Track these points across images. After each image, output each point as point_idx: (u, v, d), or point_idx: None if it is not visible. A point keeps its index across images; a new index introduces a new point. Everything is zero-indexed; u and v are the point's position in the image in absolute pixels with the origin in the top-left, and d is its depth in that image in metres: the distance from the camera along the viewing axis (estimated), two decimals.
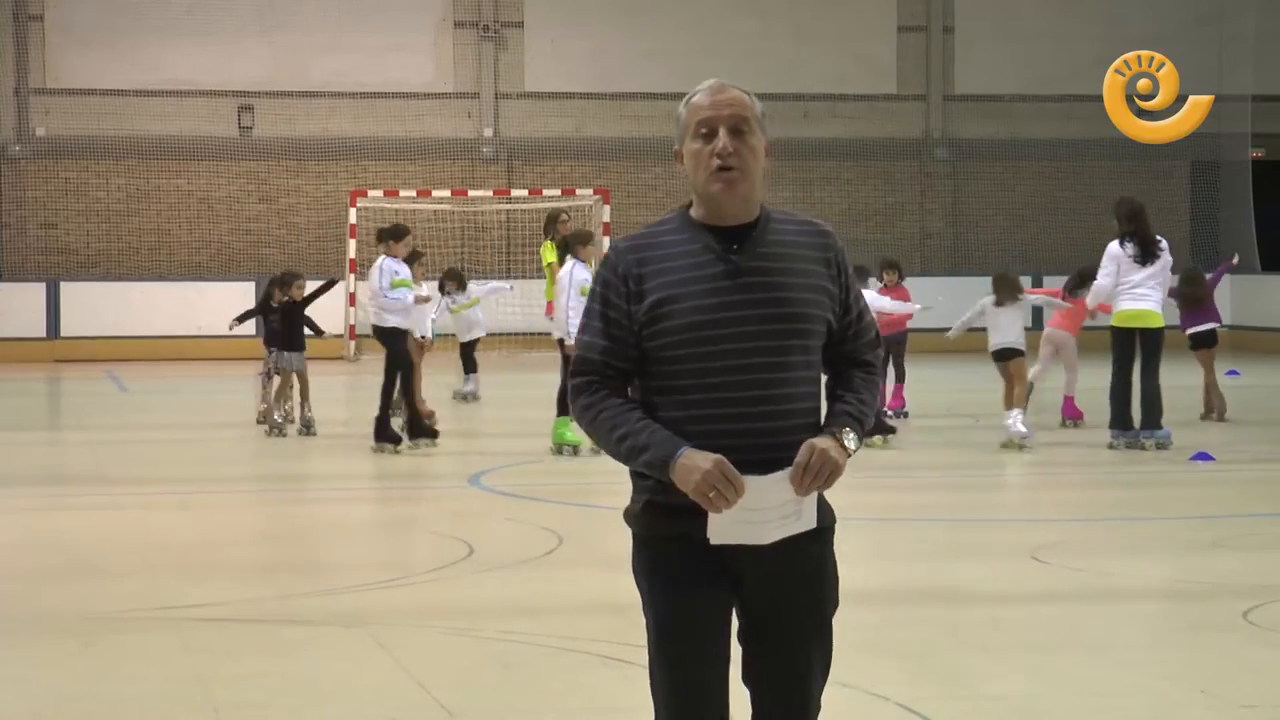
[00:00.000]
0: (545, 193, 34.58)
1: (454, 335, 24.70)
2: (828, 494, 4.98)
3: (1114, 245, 18.19)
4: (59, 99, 35.77)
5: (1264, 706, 8.15)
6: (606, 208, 33.80)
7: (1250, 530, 13.62)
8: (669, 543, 4.92)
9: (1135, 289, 18.11)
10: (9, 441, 20.25)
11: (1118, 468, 17.49)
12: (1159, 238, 18.40)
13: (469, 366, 24.17)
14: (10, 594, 11.09)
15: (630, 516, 5.02)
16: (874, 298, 19.71)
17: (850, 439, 4.91)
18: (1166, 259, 18.30)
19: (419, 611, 10.39)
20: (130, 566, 12.04)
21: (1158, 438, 18.07)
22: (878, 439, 18.42)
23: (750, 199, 4.96)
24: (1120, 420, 18.24)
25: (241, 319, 22.31)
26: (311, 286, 20.88)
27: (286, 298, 20.63)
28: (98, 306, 34.25)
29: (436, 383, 24.31)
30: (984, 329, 19.27)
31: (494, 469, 16.89)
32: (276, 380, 20.46)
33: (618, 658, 8.79)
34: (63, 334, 34.13)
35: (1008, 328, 19.13)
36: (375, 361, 29.99)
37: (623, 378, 4.97)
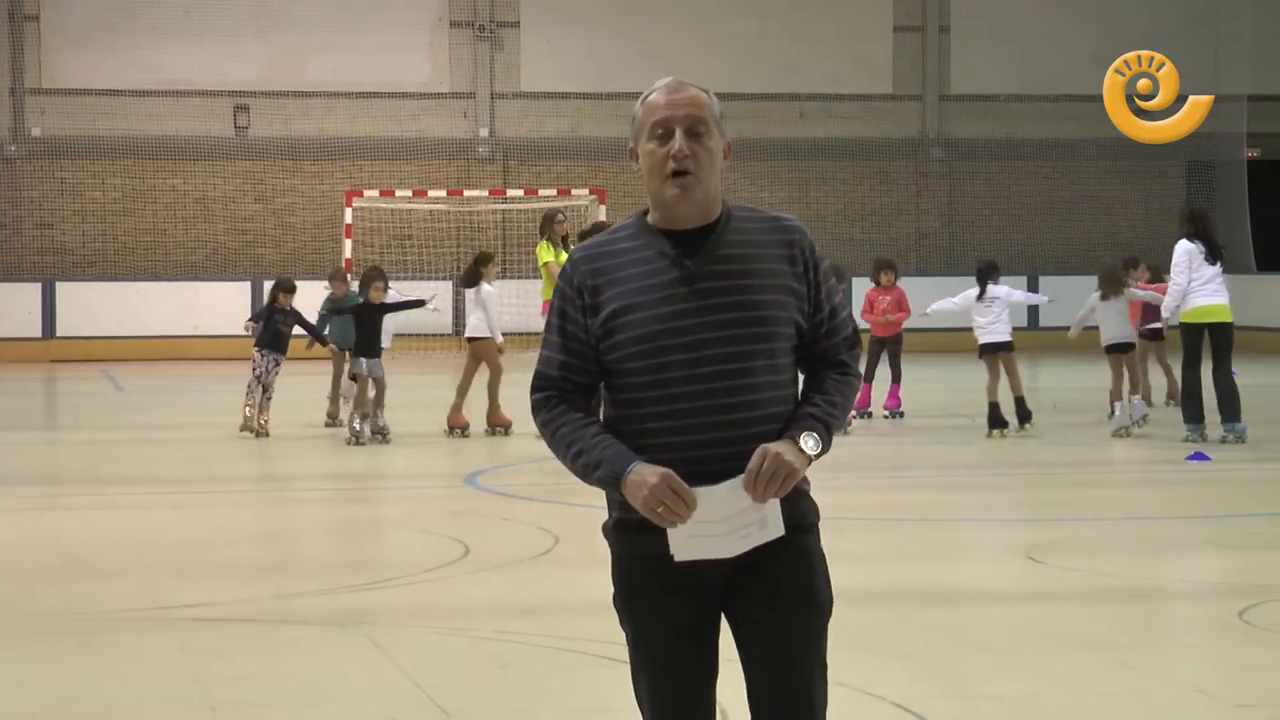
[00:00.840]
0: (541, 193, 34.62)
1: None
2: (814, 493, 4.86)
3: (1186, 243, 18.55)
4: (55, 99, 35.77)
5: (1261, 706, 8.16)
6: (602, 208, 33.80)
7: (1246, 530, 13.62)
8: (642, 559, 4.77)
9: (1206, 285, 18.46)
10: (5, 441, 20.25)
11: (1113, 467, 17.51)
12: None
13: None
14: (7, 594, 11.08)
15: (605, 531, 4.88)
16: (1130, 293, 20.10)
17: (809, 442, 4.69)
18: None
19: (415, 611, 10.38)
20: (126, 566, 12.04)
21: (1236, 430, 18.29)
22: (1027, 426, 19.04)
23: (707, 202, 4.77)
24: (1193, 414, 18.44)
25: (257, 319, 21.56)
26: (392, 295, 20.48)
27: (362, 298, 20.05)
28: (94, 306, 34.26)
29: (433, 383, 24.34)
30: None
31: (490, 469, 16.89)
32: (350, 385, 19.88)
33: (614, 657, 8.77)
34: (58, 334, 34.13)
35: (1117, 323, 19.86)
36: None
37: (583, 392, 4.82)
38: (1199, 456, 17.38)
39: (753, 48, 36.83)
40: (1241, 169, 37.24)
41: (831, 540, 5.05)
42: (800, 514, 4.80)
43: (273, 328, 20.31)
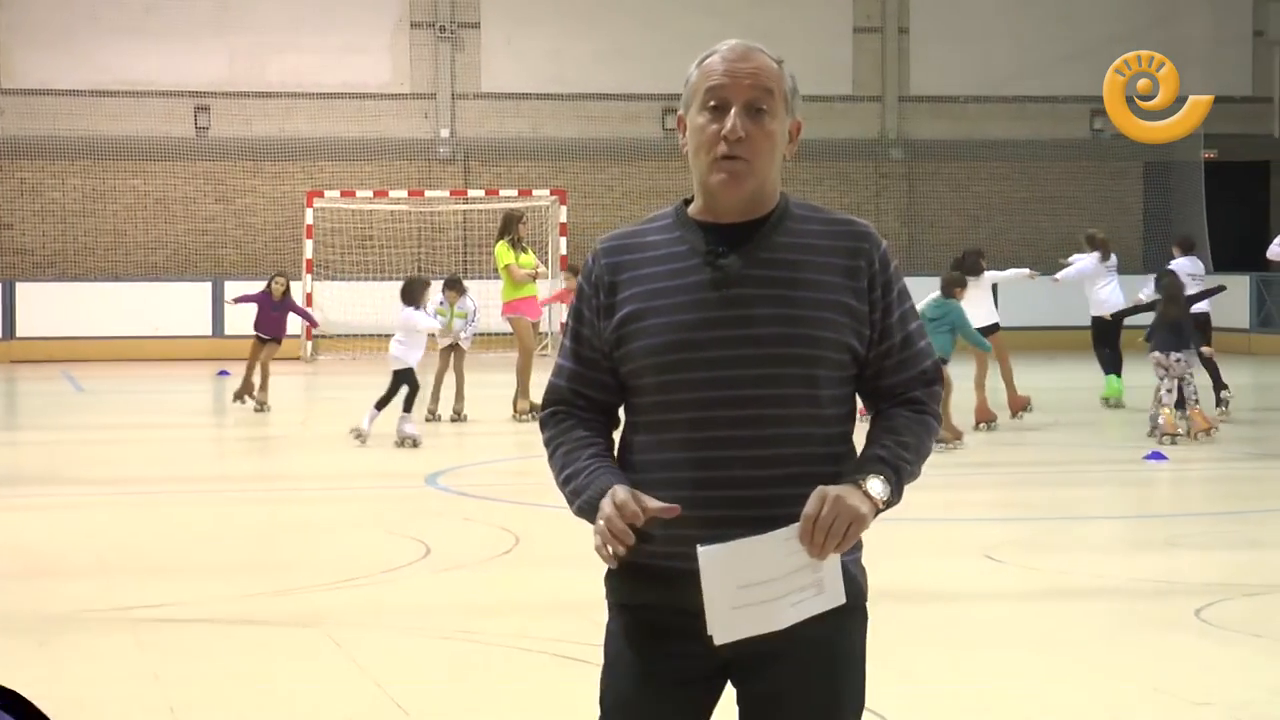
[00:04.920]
0: (502, 193, 34.61)
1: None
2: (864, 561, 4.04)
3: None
4: (14, 99, 35.61)
5: (1216, 704, 8.18)
6: (563, 208, 33.83)
7: (1202, 529, 13.68)
8: (634, 614, 3.95)
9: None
10: None
11: (1070, 467, 17.55)
12: None
13: None
14: None
15: (606, 578, 4.02)
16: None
17: (876, 485, 3.82)
18: None
19: (376, 611, 10.37)
20: (86, 566, 12.00)
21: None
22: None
23: (760, 196, 3.93)
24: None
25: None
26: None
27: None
28: (54, 307, 34.15)
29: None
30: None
31: (451, 469, 16.87)
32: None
33: (574, 657, 8.77)
34: (18, 334, 34.01)
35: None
36: (332, 362, 30.07)
37: (599, 410, 4.03)
38: (1156, 456, 17.44)
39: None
40: (1199, 170, 37.37)
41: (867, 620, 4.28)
42: (848, 588, 3.87)
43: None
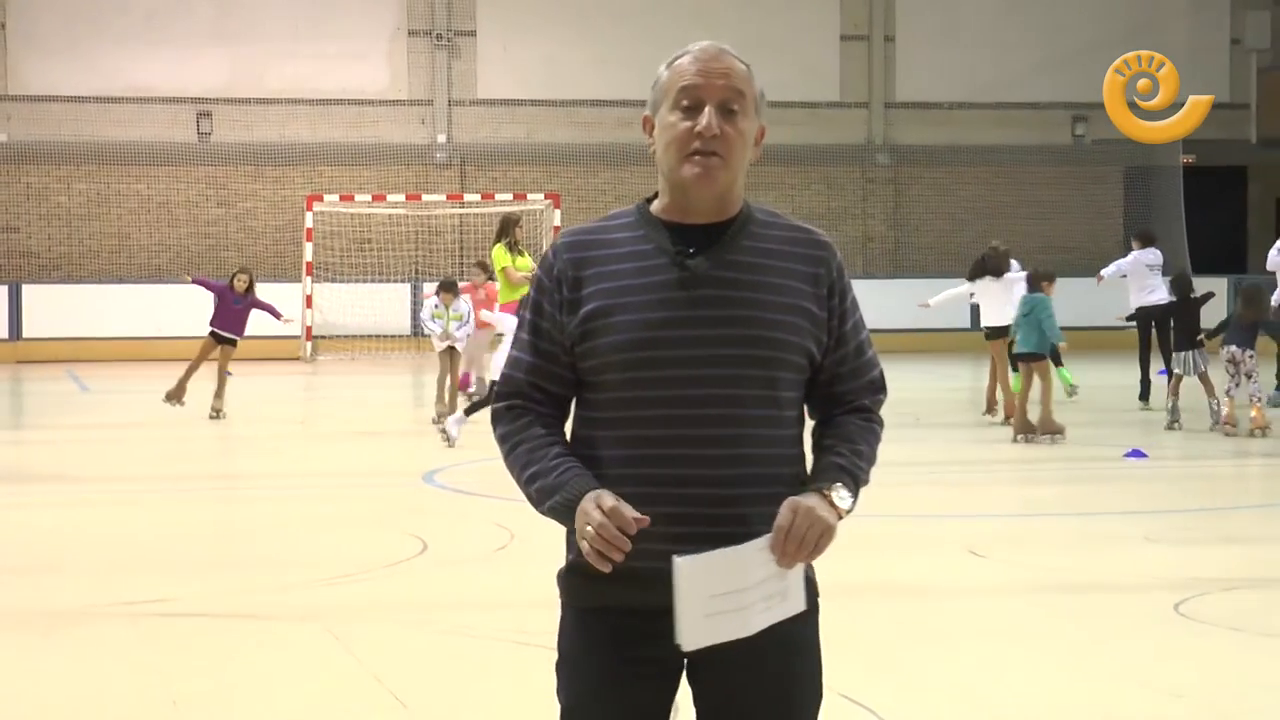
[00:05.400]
0: (497, 197, 34.61)
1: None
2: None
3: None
4: (21, 105, 35.60)
5: (1194, 696, 8.19)
6: (557, 212, 33.85)
7: (1181, 525, 13.69)
8: (596, 616, 3.91)
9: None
10: None
11: (1052, 464, 17.56)
12: None
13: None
14: None
15: (558, 579, 4.03)
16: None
17: (842, 496, 3.83)
18: None
19: (373, 605, 10.36)
20: (90, 562, 11.99)
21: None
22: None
23: (729, 196, 3.90)
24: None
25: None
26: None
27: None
28: (59, 308, 34.13)
29: (392, 383, 24.29)
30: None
31: (447, 467, 16.86)
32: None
33: None
34: (25, 335, 33.98)
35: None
36: (331, 362, 30.01)
37: (554, 403, 3.94)
38: (1136, 454, 17.45)
39: None
40: (1177, 174, 37.38)
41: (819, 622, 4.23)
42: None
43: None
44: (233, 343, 22.20)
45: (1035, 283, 19.32)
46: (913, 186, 38.68)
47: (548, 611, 10.61)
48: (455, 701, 8.24)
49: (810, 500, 3.74)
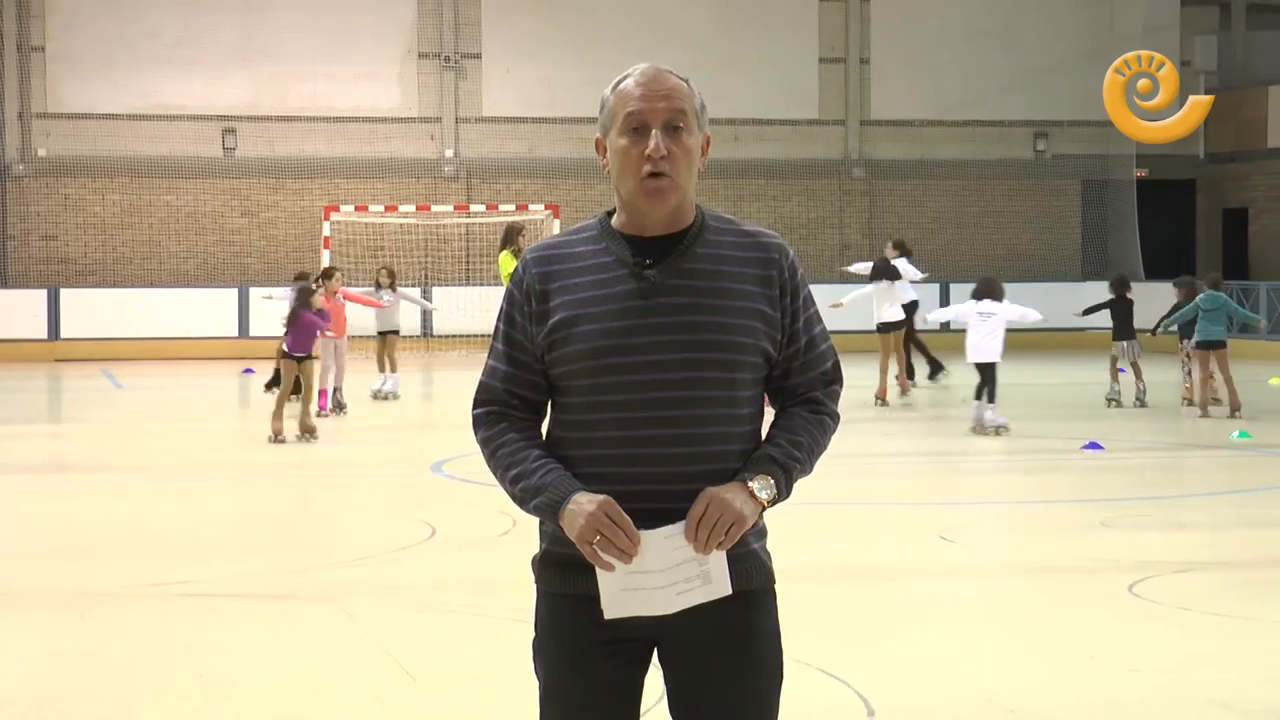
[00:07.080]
0: (501, 208, 34.55)
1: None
2: (771, 547, 4.02)
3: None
4: (59, 122, 35.55)
5: (1146, 670, 8.20)
6: (556, 221, 33.79)
7: (1135, 512, 13.69)
8: (569, 602, 3.85)
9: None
10: (13, 434, 20.13)
11: (1015, 455, 17.57)
12: None
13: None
14: (16, 571, 11.03)
15: (533, 565, 3.97)
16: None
17: (762, 486, 3.77)
18: None
19: (387, 587, 10.35)
20: (124, 547, 11.98)
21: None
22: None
23: (682, 208, 3.87)
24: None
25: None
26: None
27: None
28: (94, 311, 34.06)
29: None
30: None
31: (454, 458, 16.85)
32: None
33: None
34: (62, 336, 33.93)
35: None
36: (352, 360, 29.89)
37: (530, 408, 3.91)
38: (1093, 446, 17.45)
39: (690, 76, 36.49)
40: (1131, 188, 37.42)
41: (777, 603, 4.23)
42: (744, 576, 3.87)
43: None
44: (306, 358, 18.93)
45: (1215, 285, 20.43)
46: (886, 198, 38.65)
47: None
48: (461, 675, 8.24)
49: (727, 491, 3.73)
